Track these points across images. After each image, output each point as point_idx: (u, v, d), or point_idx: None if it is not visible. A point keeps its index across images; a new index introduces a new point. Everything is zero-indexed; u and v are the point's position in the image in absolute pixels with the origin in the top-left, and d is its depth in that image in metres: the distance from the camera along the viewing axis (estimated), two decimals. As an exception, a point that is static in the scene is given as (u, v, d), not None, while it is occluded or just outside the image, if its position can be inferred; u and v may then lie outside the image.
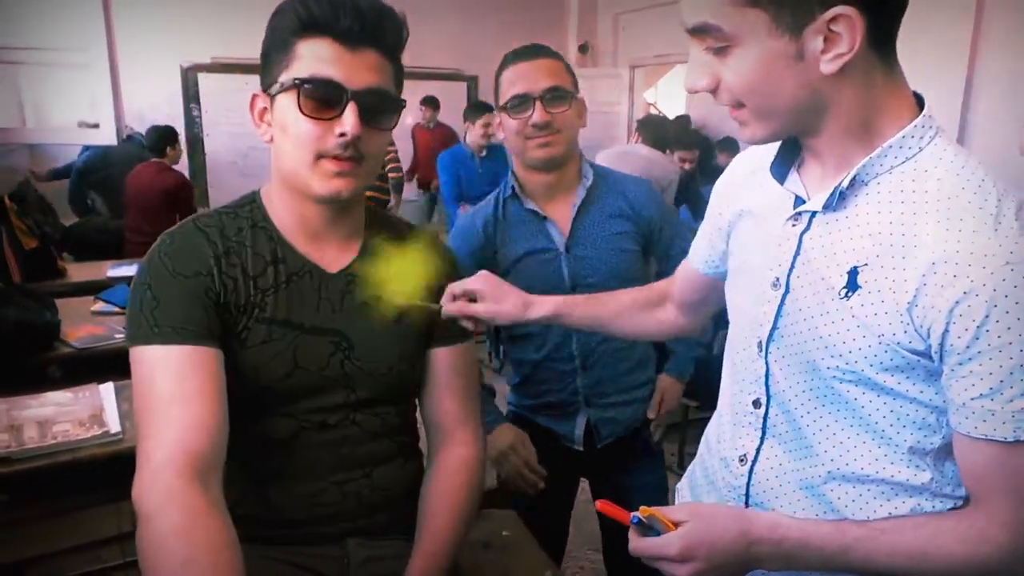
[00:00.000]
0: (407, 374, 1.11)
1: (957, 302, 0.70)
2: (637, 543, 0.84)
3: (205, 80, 6.19)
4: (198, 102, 6.21)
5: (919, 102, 0.79)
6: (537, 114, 1.42)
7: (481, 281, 1.11)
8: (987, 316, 0.69)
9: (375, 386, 1.07)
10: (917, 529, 0.78)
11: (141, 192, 4.23)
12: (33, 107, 5.24)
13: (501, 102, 1.47)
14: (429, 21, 5.45)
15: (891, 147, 0.76)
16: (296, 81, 0.93)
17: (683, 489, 1.13)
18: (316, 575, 1.07)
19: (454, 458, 1.13)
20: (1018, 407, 0.71)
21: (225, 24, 6.01)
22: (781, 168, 0.88)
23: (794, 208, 0.85)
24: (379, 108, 0.97)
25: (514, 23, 7.40)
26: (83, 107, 5.06)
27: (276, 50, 0.96)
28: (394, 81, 1.00)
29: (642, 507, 0.84)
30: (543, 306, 1.15)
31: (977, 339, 0.70)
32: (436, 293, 1.13)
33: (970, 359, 0.71)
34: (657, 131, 3.84)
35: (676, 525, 0.82)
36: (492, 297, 1.11)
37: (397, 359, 1.08)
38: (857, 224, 0.79)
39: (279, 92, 0.95)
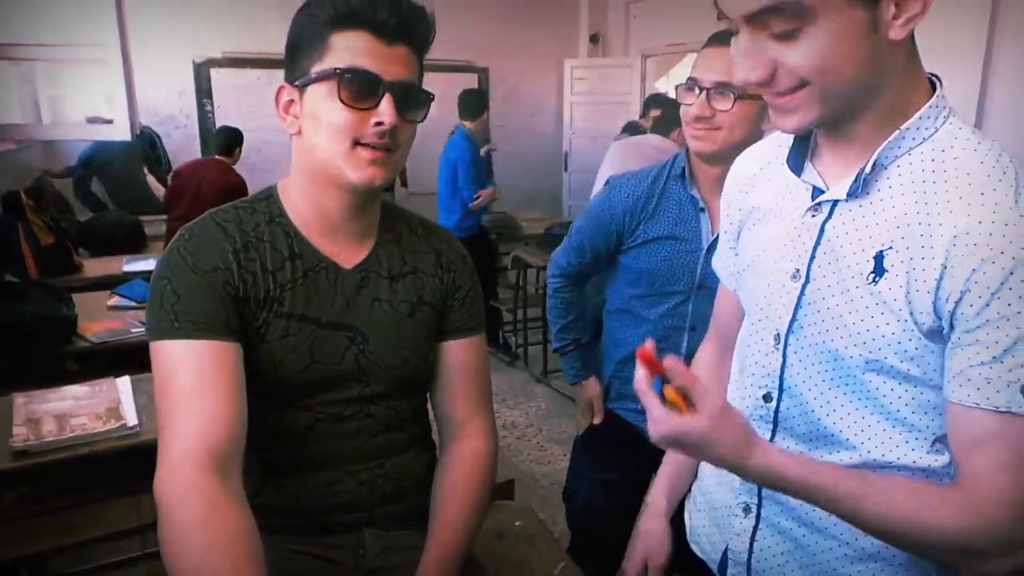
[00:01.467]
0: (420, 367, 1.11)
1: (975, 269, 0.70)
2: (660, 412, 0.76)
3: (217, 75, 6.22)
4: (210, 97, 6.24)
5: (931, 84, 0.80)
6: (697, 106, 1.34)
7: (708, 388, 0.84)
8: (1002, 283, 0.69)
9: (389, 379, 1.08)
10: (911, 494, 0.76)
11: (204, 186, 4.24)
12: (49, 103, 5.28)
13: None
14: (440, 13, 5.44)
15: (908, 129, 0.77)
16: (336, 71, 0.93)
17: (692, 489, 1.14)
18: (333, 565, 1.08)
19: (467, 450, 1.14)
20: (1015, 377, 0.71)
21: (236, 18, 6.03)
22: (797, 160, 0.87)
23: (812, 199, 0.85)
24: (411, 101, 0.98)
25: (525, 14, 7.39)
26: (98, 103, 5.09)
27: (307, 42, 0.96)
28: (420, 77, 1.01)
29: (667, 387, 0.78)
30: (766, 453, 0.83)
31: (988, 306, 0.70)
32: (450, 289, 1.13)
33: (978, 327, 0.71)
34: (667, 109, 3.75)
35: (690, 407, 0.77)
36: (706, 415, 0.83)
37: (411, 353, 1.09)
38: (881, 208, 0.78)
39: (311, 83, 0.95)
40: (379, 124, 0.94)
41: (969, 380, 0.72)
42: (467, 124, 4.17)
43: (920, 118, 0.77)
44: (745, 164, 1.01)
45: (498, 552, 1.29)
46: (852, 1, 0.69)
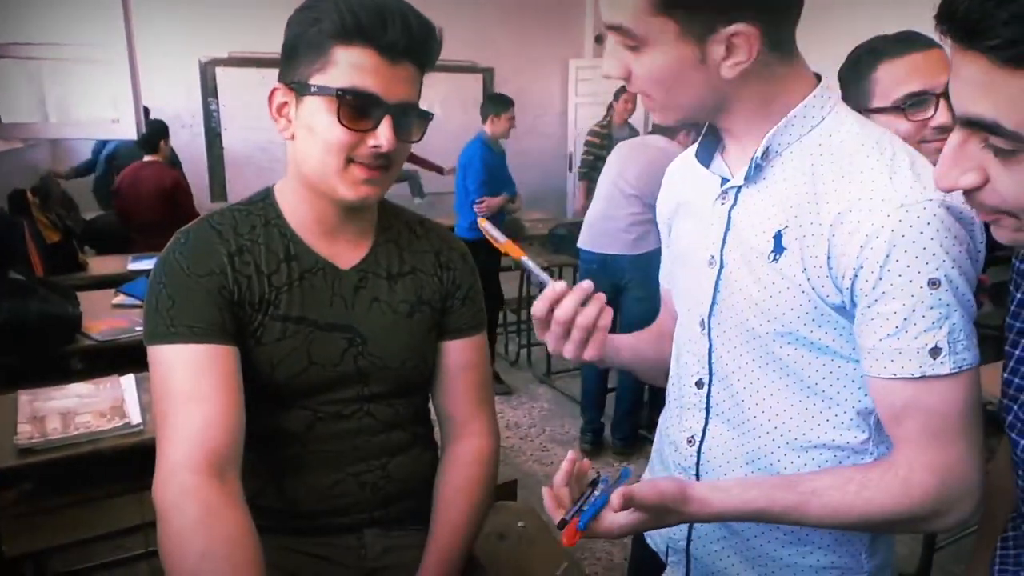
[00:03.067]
0: (420, 367, 1.11)
1: (861, 246, 0.75)
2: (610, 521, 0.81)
3: (223, 74, 6.24)
4: (216, 96, 6.26)
5: (817, 79, 0.85)
6: (942, 114, 1.17)
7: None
8: (887, 256, 0.73)
9: (388, 380, 1.08)
10: (844, 486, 0.79)
11: (142, 193, 4.19)
12: (55, 103, 5.29)
13: (882, 102, 1.21)
14: (444, 13, 5.43)
15: (795, 116, 0.82)
16: (337, 92, 0.91)
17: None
18: (333, 565, 1.08)
19: (468, 450, 1.14)
20: (922, 343, 0.74)
21: (242, 18, 6.04)
22: (705, 153, 0.93)
23: (720, 188, 0.90)
24: (411, 121, 0.98)
25: (530, 15, 7.39)
26: (104, 102, 5.11)
27: (307, 49, 0.93)
28: (419, 94, 0.99)
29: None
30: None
31: (880, 280, 0.74)
32: (450, 288, 1.13)
33: (876, 300, 0.75)
34: None
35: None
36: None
37: (410, 353, 1.09)
38: (776, 191, 0.84)
39: (309, 94, 0.93)
40: (376, 147, 0.93)
41: (883, 353, 0.76)
42: (485, 128, 4.17)
43: (805, 107, 0.82)
44: (675, 163, 1.07)
45: (500, 553, 1.29)
46: (680, 38, 0.77)
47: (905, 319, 0.74)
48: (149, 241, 3.82)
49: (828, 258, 0.78)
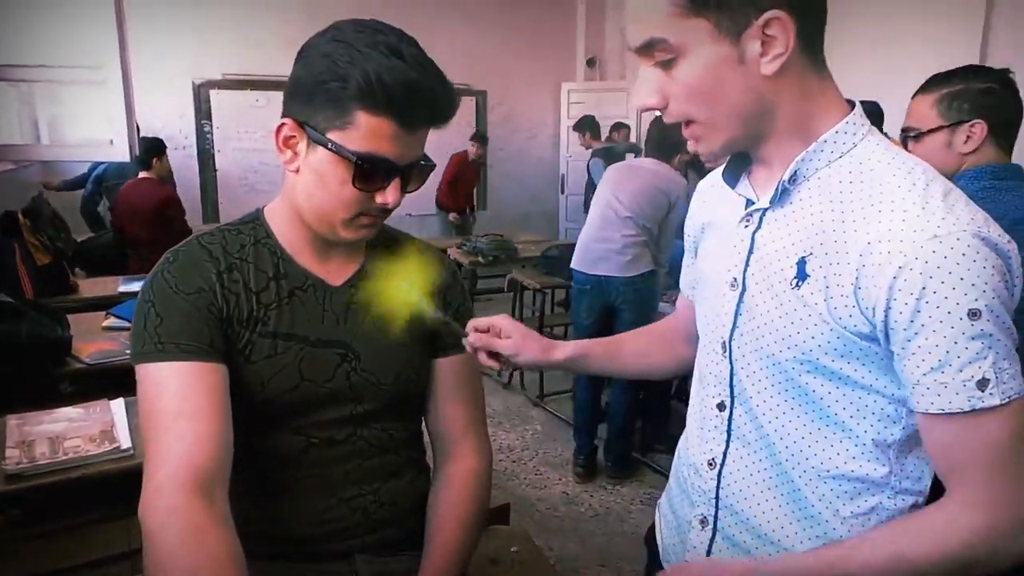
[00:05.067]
0: (412, 384, 1.11)
1: (894, 278, 0.73)
2: None
3: (217, 96, 6.27)
4: (210, 118, 6.28)
5: (852, 106, 0.85)
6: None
7: (505, 319, 1.11)
8: (924, 288, 0.71)
9: (380, 397, 1.07)
10: (892, 538, 0.78)
11: (137, 209, 4.27)
12: (48, 124, 5.30)
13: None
14: (438, 37, 5.48)
15: (826, 141, 0.81)
16: (357, 160, 0.92)
17: (662, 504, 1.14)
18: (325, 592, 1.06)
19: (461, 470, 1.13)
20: (968, 376, 0.72)
21: (237, 40, 6.09)
22: (732, 174, 0.93)
23: (745, 210, 0.90)
24: (417, 176, 1.00)
25: (523, 38, 7.46)
26: (97, 124, 5.12)
27: (328, 101, 0.91)
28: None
29: None
30: (564, 349, 1.14)
31: (918, 312, 0.72)
32: (441, 302, 1.14)
33: (916, 334, 0.73)
34: (661, 134, 3.70)
35: None
36: (516, 336, 1.10)
37: (403, 368, 1.09)
38: (802, 216, 0.83)
39: (323, 144, 0.93)
40: (383, 204, 0.97)
41: (928, 389, 0.74)
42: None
43: (836, 132, 0.81)
44: (705, 182, 1.07)
45: (493, 578, 1.28)
46: (717, 37, 0.76)
47: (947, 352, 0.72)
48: (145, 260, 3.84)
49: (856, 288, 0.76)
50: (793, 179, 0.83)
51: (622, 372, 1.26)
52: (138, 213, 4.27)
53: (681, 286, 1.16)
